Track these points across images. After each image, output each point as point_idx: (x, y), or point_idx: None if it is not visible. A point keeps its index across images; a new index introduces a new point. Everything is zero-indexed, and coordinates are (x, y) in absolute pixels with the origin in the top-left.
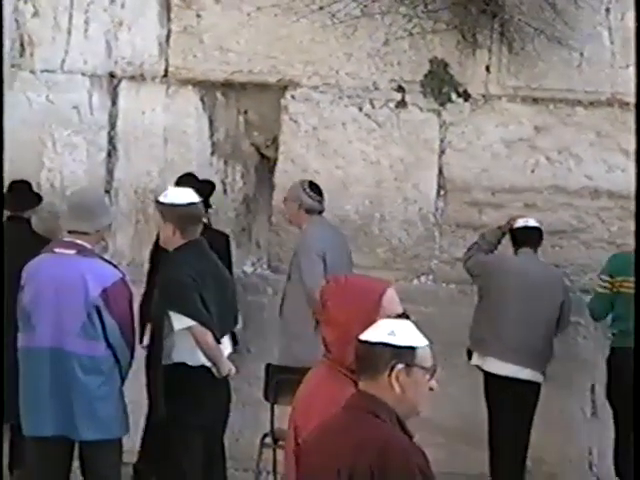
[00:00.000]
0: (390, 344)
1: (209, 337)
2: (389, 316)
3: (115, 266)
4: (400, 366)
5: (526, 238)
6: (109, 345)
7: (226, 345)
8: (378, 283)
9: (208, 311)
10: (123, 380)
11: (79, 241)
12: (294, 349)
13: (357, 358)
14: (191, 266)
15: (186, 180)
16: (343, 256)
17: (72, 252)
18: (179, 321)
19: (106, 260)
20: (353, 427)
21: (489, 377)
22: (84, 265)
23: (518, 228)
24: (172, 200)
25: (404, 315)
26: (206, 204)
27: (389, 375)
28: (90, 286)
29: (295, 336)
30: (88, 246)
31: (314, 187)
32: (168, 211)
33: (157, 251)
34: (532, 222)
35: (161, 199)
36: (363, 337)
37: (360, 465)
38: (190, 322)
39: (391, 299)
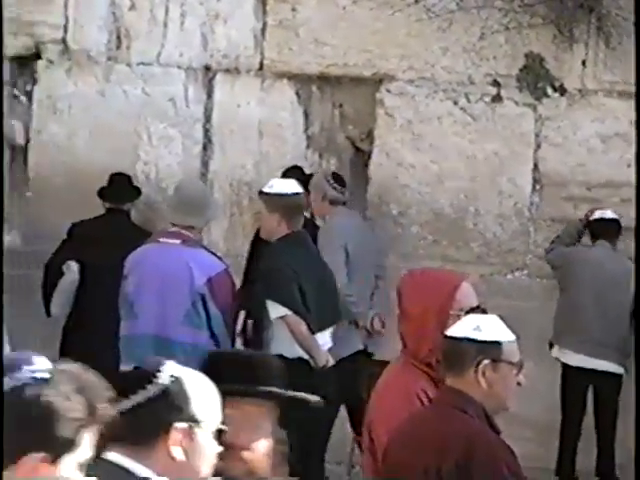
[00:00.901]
0: (476, 339)
1: (303, 327)
2: (463, 309)
3: (219, 257)
4: (486, 361)
5: (603, 230)
6: (212, 334)
7: (326, 339)
8: (453, 276)
9: (306, 303)
10: None
11: (184, 231)
12: None
13: (443, 354)
14: (292, 256)
15: (292, 172)
16: (367, 246)
17: (177, 242)
18: (275, 310)
19: (210, 251)
20: (440, 423)
21: (567, 369)
22: (189, 255)
23: (595, 220)
24: (278, 190)
25: (479, 308)
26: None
27: (475, 371)
28: (195, 275)
29: None
30: (192, 236)
31: (337, 178)
32: (274, 201)
33: (257, 242)
34: (609, 214)
35: (266, 190)
36: (449, 332)
37: (447, 460)
38: (285, 311)
39: (466, 292)
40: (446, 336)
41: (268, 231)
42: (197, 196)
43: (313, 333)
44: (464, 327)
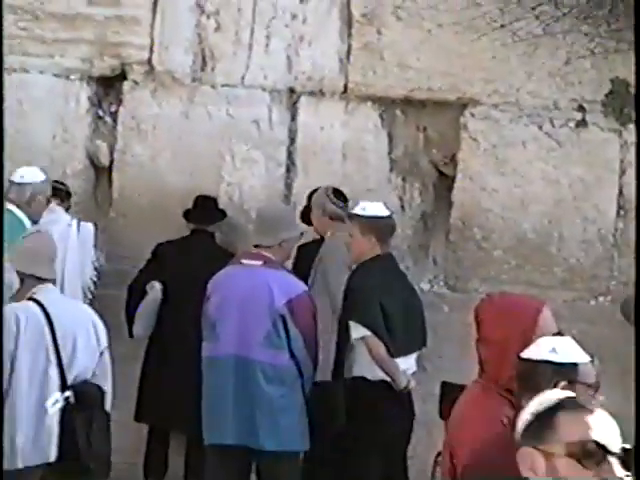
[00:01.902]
0: (552, 361)
1: (381, 349)
2: (545, 334)
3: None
4: (563, 383)
5: None
6: (292, 355)
7: (411, 363)
8: (534, 301)
9: (390, 326)
10: (306, 394)
11: (265, 253)
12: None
13: (518, 376)
14: (379, 278)
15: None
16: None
17: (259, 263)
18: (356, 330)
19: (291, 273)
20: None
21: None
22: (270, 276)
23: None
24: (374, 213)
25: (559, 334)
26: None
27: None
28: (276, 296)
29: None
30: (274, 258)
31: (338, 194)
32: (369, 223)
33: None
34: None
35: (359, 212)
36: (524, 355)
37: None
38: (365, 332)
39: (547, 317)
40: (522, 359)
41: (360, 253)
42: (270, 215)
43: (393, 356)
44: (540, 350)
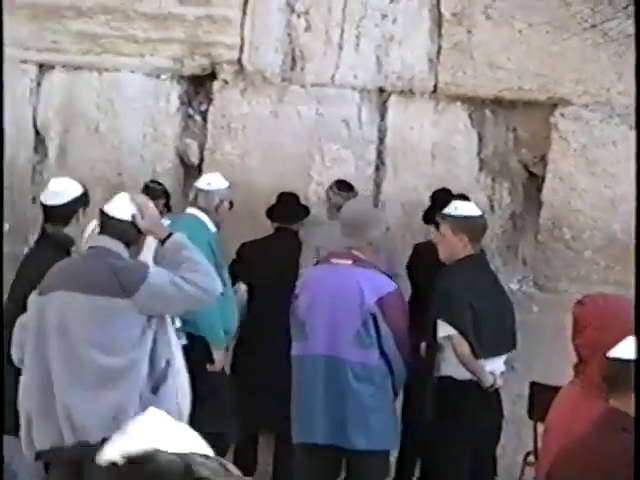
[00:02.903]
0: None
1: (465, 349)
2: None
3: (391, 278)
4: None
5: None
6: (382, 354)
7: (499, 364)
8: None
9: (479, 326)
10: (396, 393)
11: (355, 252)
12: None
13: (607, 375)
14: (469, 278)
15: (441, 195)
16: None
17: (348, 262)
18: (443, 329)
19: (381, 271)
20: (605, 444)
21: None
22: (360, 274)
23: None
24: (466, 212)
25: None
26: None
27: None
28: (366, 294)
29: None
30: (363, 257)
31: (342, 185)
32: (461, 223)
33: (414, 265)
34: None
35: (451, 212)
36: (612, 354)
37: None
38: (451, 330)
39: None
40: (611, 358)
41: (451, 253)
42: (355, 215)
43: (477, 357)
44: (627, 349)
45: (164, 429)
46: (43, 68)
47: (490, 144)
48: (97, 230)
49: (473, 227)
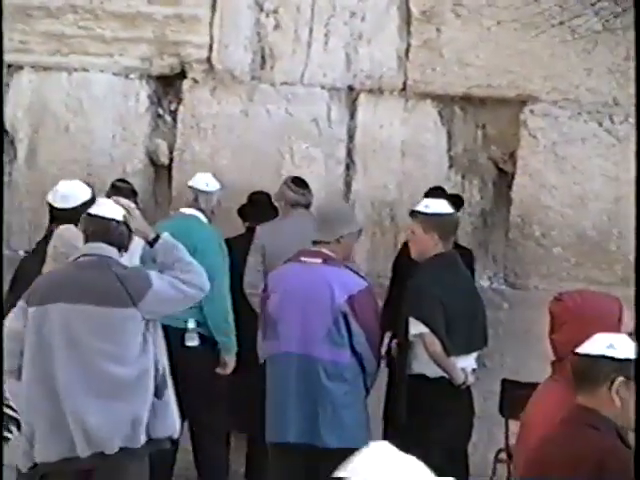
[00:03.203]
0: (611, 357)
1: (437, 347)
2: (628, 333)
3: (362, 277)
4: (620, 379)
5: None
6: (354, 352)
7: (471, 361)
8: (614, 301)
9: (450, 324)
10: (368, 390)
11: (324, 250)
12: None
13: (575, 371)
14: (440, 276)
15: (435, 193)
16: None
17: (318, 261)
18: (415, 327)
19: (352, 270)
20: (573, 440)
21: None
22: (330, 273)
23: None
24: (436, 210)
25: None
26: None
27: (609, 388)
28: (336, 293)
29: None
30: (333, 255)
31: (298, 181)
32: (431, 220)
33: (400, 262)
34: None
35: (422, 209)
36: (581, 351)
37: (579, 478)
38: (422, 328)
39: (628, 316)
40: (579, 354)
41: (422, 251)
42: (327, 210)
43: (449, 354)
44: (597, 345)
45: (392, 462)
46: (11, 68)
47: (460, 141)
48: (83, 235)
49: (443, 225)
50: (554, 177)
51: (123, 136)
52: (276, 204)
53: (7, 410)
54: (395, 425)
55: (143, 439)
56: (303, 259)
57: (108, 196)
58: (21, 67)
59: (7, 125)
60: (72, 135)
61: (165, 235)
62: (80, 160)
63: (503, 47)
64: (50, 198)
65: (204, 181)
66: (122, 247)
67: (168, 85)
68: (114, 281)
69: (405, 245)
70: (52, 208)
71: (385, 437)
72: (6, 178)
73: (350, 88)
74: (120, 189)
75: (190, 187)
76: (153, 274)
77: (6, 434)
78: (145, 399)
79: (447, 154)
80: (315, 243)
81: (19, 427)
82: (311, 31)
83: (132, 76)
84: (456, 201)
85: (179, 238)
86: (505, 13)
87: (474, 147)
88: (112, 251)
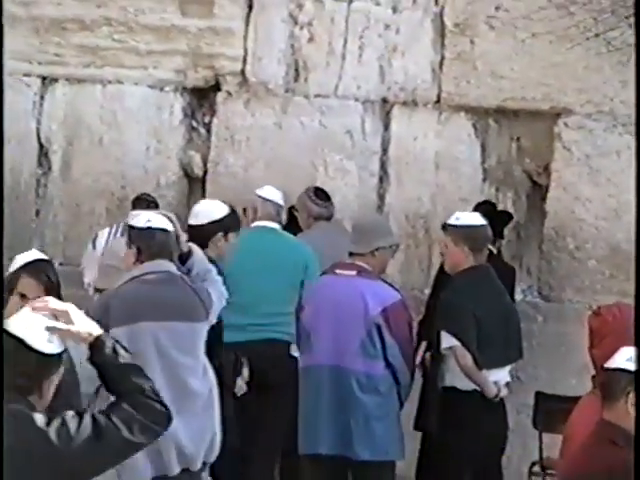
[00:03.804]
0: (626, 370)
1: (468, 360)
2: None
3: (396, 289)
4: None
5: None
6: (388, 365)
7: (504, 374)
8: None
9: (484, 337)
10: (402, 403)
11: (359, 262)
12: None
13: (601, 386)
14: (473, 290)
15: (484, 208)
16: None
17: (352, 273)
18: (446, 340)
19: (387, 282)
20: (591, 456)
21: None
22: (364, 285)
23: None
24: (466, 222)
25: None
26: (500, 234)
27: (625, 401)
28: (370, 305)
29: None
30: (368, 268)
31: (321, 193)
32: (461, 233)
33: (440, 276)
34: None
35: (452, 222)
36: (606, 365)
37: None
38: (454, 342)
39: None
40: (606, 368)
41: (453, 264)
42: (363, 223)
43: (481, 368)
44: (619, 358)
45: None
46: (46, 81)
47: (493, 154)
48: (135, 249)
49: (473, 237)
50: (588, 190)
51: (157, 149)
52: (296, 214)
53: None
54: (427, 437)
55: (216, 453)
56: (338, 271)
57: (133, 208)
58: (56, 80)
59: (42, 137)
60: (106, 148)
61: (195, 247)
62: (114, 172)
63: (537, 59)
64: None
65: (279, 195)
66: (172, 259)
67: (202, 97)
68: (192, 295)
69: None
70: (188, 226)
71: (422, 449)
72: (40, 190)
73: (384, 100)
74: (144, 202)
75: (269, 201)
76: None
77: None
78: (216, 412)
79: (481, 166)
80: (350, 255)
81: None
82: (345, 43)
83: (166, 89)
84: (504, 217)
85: (290, 255)
86: (539, 25)
87: (508, 160)
88: (172, 266)
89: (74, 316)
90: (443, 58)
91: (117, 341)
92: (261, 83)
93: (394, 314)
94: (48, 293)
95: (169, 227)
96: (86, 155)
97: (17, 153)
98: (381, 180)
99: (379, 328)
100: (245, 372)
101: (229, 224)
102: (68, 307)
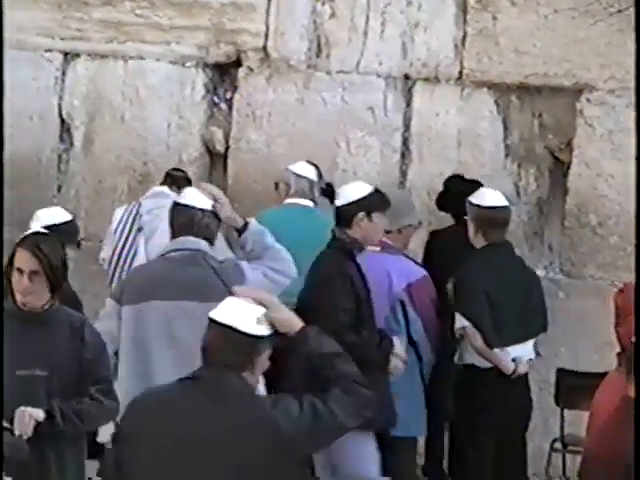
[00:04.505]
0: None
1: (478, 341)
2: None
3: (421, 265)
4: None
5: None
6: (411, 341)
7: (528, 350)
8: None
9: (499, 315)
10: (424, 379)
11: (384, 238)
12: None
13: (626, 362)
14: (486, 267)
15: (454, 181)
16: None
17: (377, 249)
18: (459, 321)
19: (410, 259)
20: (616, 435)
21: None
22: (388, 261)
23: None
24: (487, 203)
25: None
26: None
27: None
28: (394, 281)
29: None
30: (392, 243)
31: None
32: (479, 213)
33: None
34: None
35: (472, 200)
36: (632, 340)
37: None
38: (465, 322)
39: None
40: (628, 344)
41: (473, 240)
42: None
43: (492, 347)
44: None
45: None
46: (68, 57)
47: (516, 130)
48: (170, 227)
49: (491, 218)
50: (611, 166)
51: (179, 125)
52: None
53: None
54: (445, 414)
55: None
56: None
57: (163, 185)
58: (78, 55)
59: (64, 113)
60: (128, 123)
61: (254, 223)
62: (136, 149)
63: (560, 35)
64: None
65: (313, 171)
66: (211, 239)
67: (224, 73)
68: (212, 275)
69: (432, 235)
70: None
71: (435, 424)
72: (62, 166)
73: (406, 76)
74: (175, 177)
75: (302, 177)
76: (245, 265)
77: None
78: None
79: (503, 143)
80: None
81: None
82: (367, 19)
83: (188, 64)
84: (475, 186)
85: (320, 232)
86: (562, 1)
87: (530, 136)
88: (202, 244)
89: (278, 306)
90: (465, 34)
91: (320, 330)
92: (283, 59)
93: (418, 290)
94: (42, 266)
95: (201, 204)
96: (108, 131)
97: (39, 129)
98: (403, 156)
99: (403, 304)
100: None
101: (371, 204)
102: (271, 298)
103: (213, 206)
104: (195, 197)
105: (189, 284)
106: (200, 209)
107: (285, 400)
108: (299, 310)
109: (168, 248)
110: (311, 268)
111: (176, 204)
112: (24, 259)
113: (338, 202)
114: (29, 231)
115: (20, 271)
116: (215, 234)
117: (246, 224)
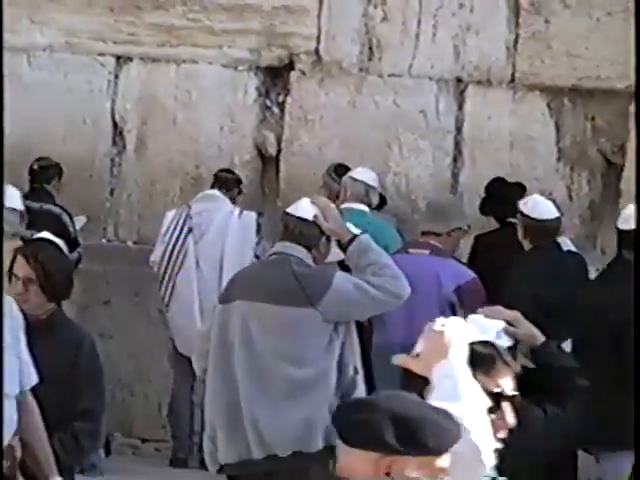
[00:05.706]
0: None
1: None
2: None
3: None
4: None
5: None
6: None
7: None
8: None
9: (546, 315)
10: None
11: (432, 242)
12: None
13: None
14: (534, 269)
15: (495, 185)
16: None
17: (425, 252)
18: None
19: (460, 261)
20: None
21: None
22: (438, 263)
23: None
24: (535, 215)
25: None
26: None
27: None
28: (444, 283)
29: None
30: (441, 247)
31: (339, 170)
32: (527, 223)
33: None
34: None
35: (523, 209)
36: None
37: None
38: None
39: None
40: None
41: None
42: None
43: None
44: None
45: None
46: (121, 61)
47: (568, 133)
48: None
49: (538, 230)
50: None
51: (231, 128)
52: (321, 192)
53: None
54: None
55: (320, 443)
56: (411, 250)
57: (212, 187)
58: (130, 59)
59: (116, 117)
60: (180, 127)
61: (363, 237)
62: (188, 152)
63: (612, 38)
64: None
65: (371, 176)
66: (310, 247)
67: (276, 77)
68: (291, 280)
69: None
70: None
71: None
72: (115, 170)
73: (458, 79)
74: (224, 179)
75: (359, 181)
76: (339, 275)
77: None
78: (322, 402)
79: (556, 146)
80: (423, 234)
81: None
82: (419, 22)
83: (240, 68)
84: (518, 190)
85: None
86: (615, 4)
87: (583, 139)
88: (298, 249)
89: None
90: (518, 37)
91: (559, 346)
92: (335, 62)
93: (468, 292)
94: (37, 275)
95: (303, 213)
96: (160, 134)
97: (92, 133)
98: (455, 159)
99: (453, 306)
100: None
101: None
102: (515, 314)
103: (315, 217)
104: (301, 207)
105: (265, 286)
106: (299, 217)
107: None
108: None
109: (268, 252)
110: None
111: (284, 212)
112: (20, 266)
113: (623, 226)
114: (35, 236)
115: (16, 277)
116: (315, 242)
117: (354, 238)
